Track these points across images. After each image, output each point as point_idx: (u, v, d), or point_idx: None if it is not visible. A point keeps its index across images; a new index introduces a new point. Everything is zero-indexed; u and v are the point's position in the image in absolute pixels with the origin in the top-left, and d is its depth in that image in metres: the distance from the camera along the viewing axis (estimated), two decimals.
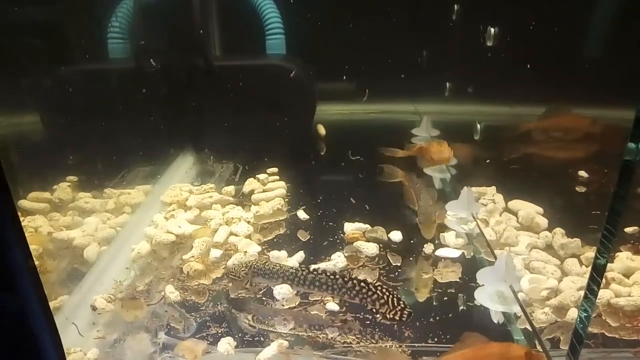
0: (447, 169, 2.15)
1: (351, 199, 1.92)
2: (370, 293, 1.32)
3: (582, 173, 2.04)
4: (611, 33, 2.33)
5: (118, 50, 2.38)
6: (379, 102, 2.93)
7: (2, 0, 1.96)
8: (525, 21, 2.09)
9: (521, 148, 2.33)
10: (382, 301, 1.30)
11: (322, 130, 2.65)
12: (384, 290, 1.31)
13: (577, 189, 2.00)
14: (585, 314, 1.10)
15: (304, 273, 1.37)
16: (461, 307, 1.40)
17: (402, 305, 1.29)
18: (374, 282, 1.35)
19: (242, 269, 1.44)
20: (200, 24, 2.44)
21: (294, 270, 1.39)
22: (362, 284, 1.32)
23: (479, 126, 2.05)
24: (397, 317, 1.29)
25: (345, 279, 1.34)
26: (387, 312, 1.30)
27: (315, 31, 2.62)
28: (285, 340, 1.24)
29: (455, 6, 2.33)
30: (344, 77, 2.65)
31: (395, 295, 1.31)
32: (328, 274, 1.36)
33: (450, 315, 1.37)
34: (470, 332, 1.24)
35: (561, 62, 2.19)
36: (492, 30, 1.89)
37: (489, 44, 1.92)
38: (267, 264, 1.44)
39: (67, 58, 2.23)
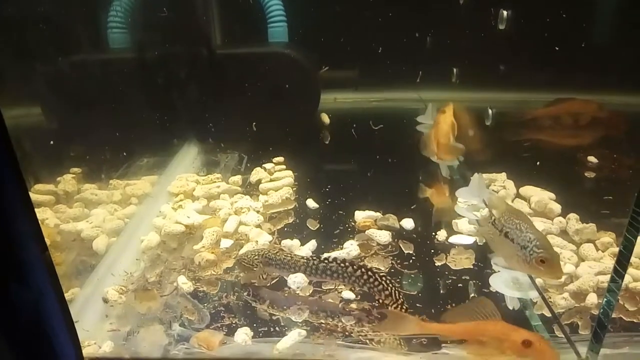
0: None
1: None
2: (376, 283, 1.33)
3: (592, 158, 2.03)
4: (618, 18, 2.31)
5: (119, 40, 2.35)
6: (382, 89, 2.90)
7: None
8: (533, 5, 2.07)
9: (528, 134, 2.32)
10: (386, 292, 1.32)
11: (326, 118, 2.62)
12: (388, 282, 1.33)
13: (586, 174, 1.98)
14: (607, 300, 1.09)
15: (316, 262, 1.37)
16: (476, 294, 1.39)
17: (402, 300, 1.31)
18: (379, 272, 1.35)
19: (256, 257, 1.42)
20: (202, 12, 2.41)
21: (306, 260, 1.38)
22: (370, 273, 1.33)
23: (490, 112, 2.02)
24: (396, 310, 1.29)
25: (355, 267, 1.34)
26: (391, 303, 1.31)
27: (317, 18, 2.58)
28: (303, 329, 1.23)
29: None
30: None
31: (397, 288, 1.32)
32: (339, 262, 1.36)
33: (465, 302, 1.36)
34: (480, 297, 1.26)
35: (568, 48, 2.17)
36: (505, 13, 1.85)
37: (501, 27, 1.89)
38: (278, 253, 1.43)
39: (68, 48, 2.19)
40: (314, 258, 1.38)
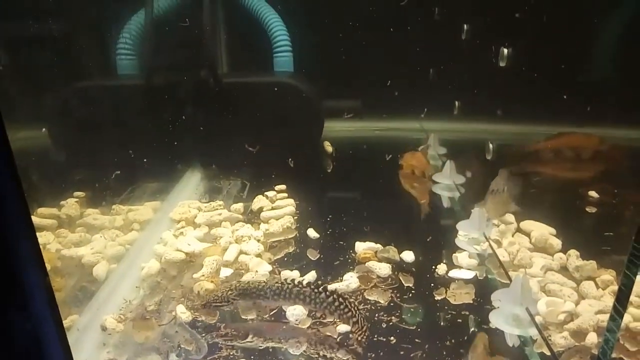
0: (457, 187, 2.14)
1: None
2: (346, 310, 1.33)
3: (593, 193, 2.03)
4: (619, 53, 2.34)
5: (126, 66, 2.39)
6: (385, 119, 2.94)
7: (11, 16, 1.96)
8: (535, 41, 2.10)
9: (529, 167, 2.32)
10: (354, 320, 1.32)
11: (329, 147, 2.65)
12: (356, 309, 1.33)
13: (587, 209, 1.98)
14: (605, 339, 1.08)
15: (290, 286, 1.37)
16: (476, 330, 1.38)
17: (365, 328, 1.31)
18: (349, 299, 1.36)
19: (229, 291, 1.41)
20: (209, 42, 2.46)
21: (280, 284, 1.38)
22: (341, 299, 1.34)
23: (491, 146, 2.04)
24: (359, 338, 1.29)
25: (327, 293, 1.35)
26: (357, 330, 1.31)
27: (322, 48, 2.64)
28: None
29: (465, 25, 2.34)
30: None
31: (362, 316, 1.33)
32: (312, 287, 1.36)
33: (465, 338, 1.35)
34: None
35: (569, 82, 2.20)
36: (505, 50, 1.89)
37: (502, 64, 1.92)
38: (250, 282, 1.43)
39: (75, 74, 2.24)
40: (288, 282, 1.38)
